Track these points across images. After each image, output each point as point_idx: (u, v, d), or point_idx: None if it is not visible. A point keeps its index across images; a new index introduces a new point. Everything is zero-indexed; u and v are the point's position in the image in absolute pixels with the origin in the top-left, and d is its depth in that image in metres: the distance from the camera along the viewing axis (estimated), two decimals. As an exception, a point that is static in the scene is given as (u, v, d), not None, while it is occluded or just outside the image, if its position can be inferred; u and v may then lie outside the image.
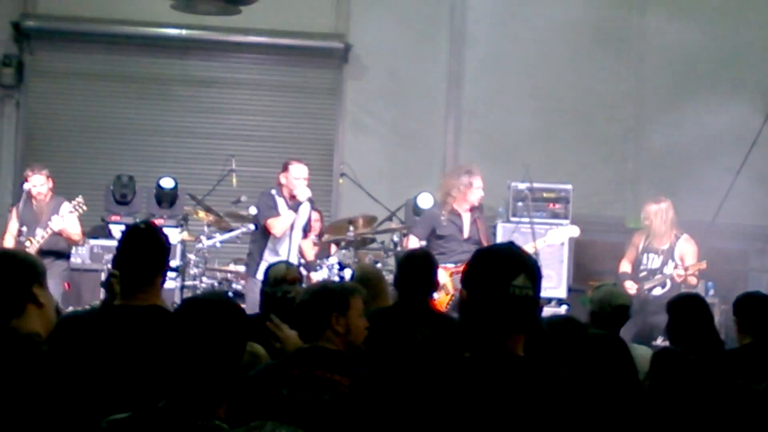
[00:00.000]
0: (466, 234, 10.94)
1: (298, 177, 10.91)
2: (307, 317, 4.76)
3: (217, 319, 3.31)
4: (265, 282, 6.79)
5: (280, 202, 10.89)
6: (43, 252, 10.98)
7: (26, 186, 11.49)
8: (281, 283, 6.63)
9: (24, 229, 11.38)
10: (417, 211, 13.04)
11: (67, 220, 11.25)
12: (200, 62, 15.17)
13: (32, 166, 11.82)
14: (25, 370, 3.75)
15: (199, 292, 11.68)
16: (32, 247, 11.02)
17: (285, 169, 10.99)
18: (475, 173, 11.04)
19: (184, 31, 14.84)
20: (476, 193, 10.98)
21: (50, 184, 11.56)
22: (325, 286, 5.00)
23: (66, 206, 11.30)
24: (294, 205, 10.87)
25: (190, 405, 3.26)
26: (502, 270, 3.27)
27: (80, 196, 11.44)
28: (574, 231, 11.52)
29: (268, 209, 10.85)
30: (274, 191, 10.94)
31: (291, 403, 4.47)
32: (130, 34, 14.83)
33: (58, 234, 11.29)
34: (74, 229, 11.46)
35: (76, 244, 11.74)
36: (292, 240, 10.90)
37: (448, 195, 11.01)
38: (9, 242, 11.34)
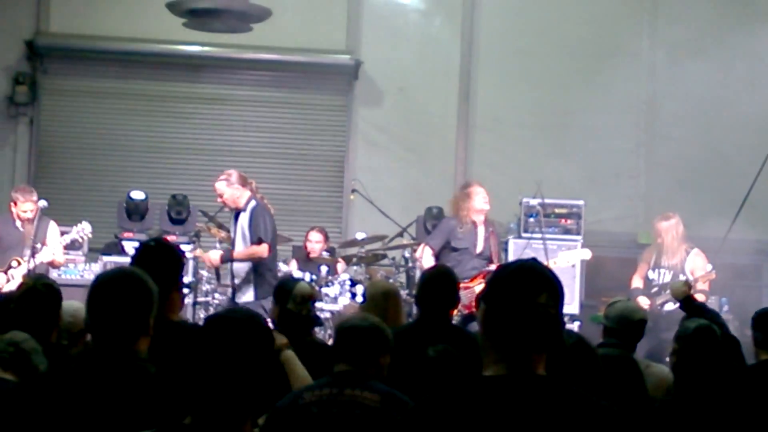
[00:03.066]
0: (479, 249, 10.93)
1: None
2: (360, 351, 4.82)
3: (245, 336, 3.31)
4: (288, 299, 6.72)
5: None
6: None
7: (14, 210, 11.04)
8: (307, 302, 6.65)
9: (6, 249, 11.02)
10: (431, 216, 13.06)
11: (57, 250, 11.04)
12: (212, 79, 15.21)
13: (22, 190, 11.32)
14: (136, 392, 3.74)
15: (211, 308, 11.71)
16: (19, 269, 10.72)
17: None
18: (472, 183, 11.15)
19: (195, 49, 14.91)
20: (477, 199, 10.96)
21: (37, 206, 11.07)
22: (378, 327, 5.03)
23: (54, 230, 11.14)
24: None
25: (216, 422, 3.25)
26: (526, 288, 3.23)
27: (84, 222, 11.30)
28: (586, 254, 11.48)
29: None
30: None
31: (322, 419, 4.52)
32: (143, 52, 14.89)
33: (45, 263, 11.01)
34: (61, 257, 11.24)
35: (55, 267, 11.62)
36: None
37: (457, 209, 11.05)
38: None
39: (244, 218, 10.52)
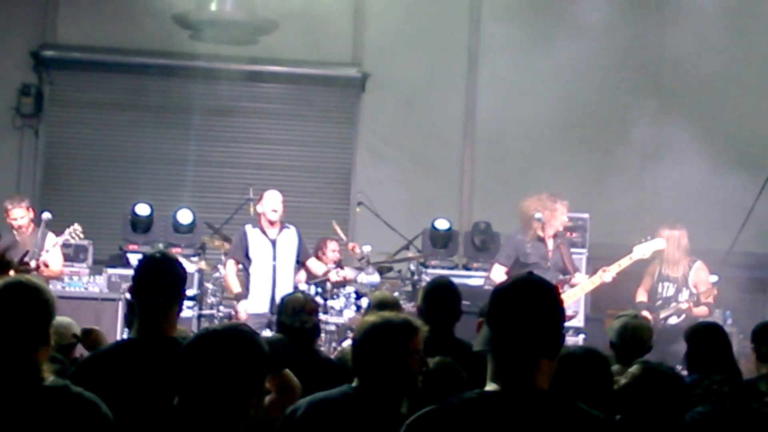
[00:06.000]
0: (550, 262, 10.77)
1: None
2: (372, 360, 4.42)
3: (235, 351, 3.29)
4: (281, 312, 6.76)
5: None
6: None
7: (9, 220, 11.09)
8: (299, 314, 6.60)
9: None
10: (435, 234, 13.03)
11: (51, 254, 11.00)
12: (218, 92, 15.19)
13: (11, 198, 11.41)
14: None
15: (216, 321, 11.70)
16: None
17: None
18: (559, 198, 10.92)
19: (201, 61, 14.91)
20: (561, 218, 10.85)
21: (31, 214, 11.17)
22: (398, 325, 4.55)
23: (51, 238, 11.08)
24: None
25: None
26: (521, 300, 3.23)
27: (76, 224, 11.28)
28: (660, 244, 10.98)
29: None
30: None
31: None
32: (149, 64, 14.92)
33: (36, 269, 10.84)
34: (56, 266, 11.19)
35: (55, 278, 11.47)
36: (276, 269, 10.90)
37: (532, 221, 10.75)
38: None
39: (290, 236, 11.03)
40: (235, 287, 10.90)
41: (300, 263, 11.14)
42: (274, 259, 10.85)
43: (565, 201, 10.96)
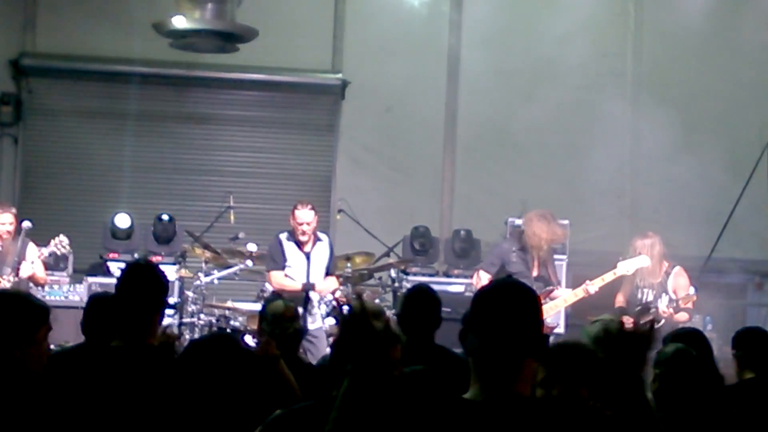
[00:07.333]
0: (535, 272, 10.90)
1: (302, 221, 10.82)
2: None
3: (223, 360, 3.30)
4: (262, 319, 6.77)
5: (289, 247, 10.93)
6: None
7: None
8: (281, 321, 6.62)
9: None
10: (417, 235, 13.03)
11: (36, 265, 10.93)
12: (198, 99, 15.20)
13: None
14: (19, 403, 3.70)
15: (197, 329, 11.67)
16: None
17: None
18: (557, 220, 11.12)
19: (181, 69, 14.89)
20: (540, 228, 10.91)
21: (15, 219, 11.08)
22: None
23: (33, 250, 11.02)
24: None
25: None
26: (490, 301, 3.24)
27: (61, 235, 11.23)
28: (644, 261, 11.00)
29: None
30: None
31: None
32: (128, 72, 14.85)
33: (25, 278, 10.89)
34: (42, 273, 11.15)
35: (41, 286, 11.48)
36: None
37: (531, 236, 10.90)
38: None
39: (323, 248, 10.90)
40: (295, 283, 10.74)
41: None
42: (308, 274, 10.83)
43: (543, 211, 11.03)
